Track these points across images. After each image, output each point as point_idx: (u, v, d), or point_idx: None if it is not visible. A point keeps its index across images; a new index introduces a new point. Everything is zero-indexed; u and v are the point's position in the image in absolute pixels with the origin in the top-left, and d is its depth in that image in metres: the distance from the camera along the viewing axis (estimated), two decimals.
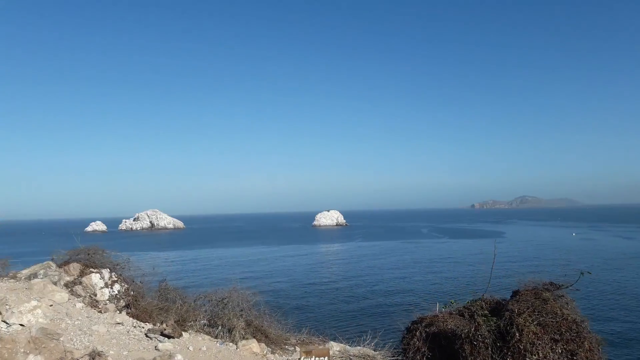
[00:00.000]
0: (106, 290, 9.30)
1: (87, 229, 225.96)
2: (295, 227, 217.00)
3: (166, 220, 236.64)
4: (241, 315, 12.22)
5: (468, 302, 13.97)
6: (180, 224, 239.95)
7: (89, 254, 10.35)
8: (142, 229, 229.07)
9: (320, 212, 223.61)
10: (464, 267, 61.93)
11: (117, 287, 9.61)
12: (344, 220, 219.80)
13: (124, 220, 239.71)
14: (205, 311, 12.33)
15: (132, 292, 10.07)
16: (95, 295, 9.11)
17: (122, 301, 9.57)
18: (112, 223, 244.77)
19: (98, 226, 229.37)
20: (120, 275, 10.33)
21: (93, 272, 9.50)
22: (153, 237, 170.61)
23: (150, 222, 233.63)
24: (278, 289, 48.66)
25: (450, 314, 13.67)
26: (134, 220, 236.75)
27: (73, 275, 9.25)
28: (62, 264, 9.71)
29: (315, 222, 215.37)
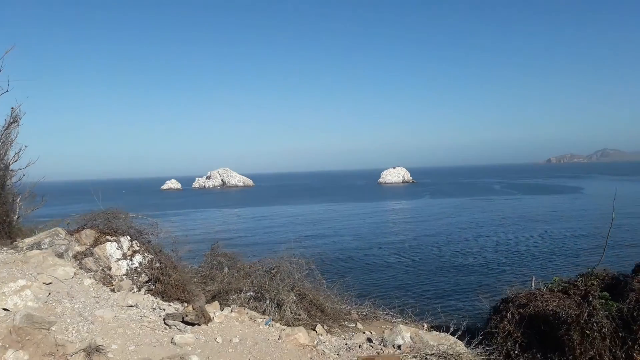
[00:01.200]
0: (124, 263, 7.54)
1: (163, 187, 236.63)
2: (361, 185, 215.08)
3: (236, 179, 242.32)
4: (293, 287, 10.17)
5: (578, 277, 11.07)
6: (249, 181, 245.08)
7: (107, 218, 8.74)
8: (214, 186, 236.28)
9: (386, 169, 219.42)
10: (546, 226, 57.31)
11: (138, 258, 7.77)
12: (411, 177, 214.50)
13: (197, 178, 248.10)
14: (252, 282, 10.38)
15: (157, 264, 8.19)
16: (110, 269, 7.39)
17: (143, 275, 8.05)
18: (187, 181, 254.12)
19: (173, 184, 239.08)
20: (146, 243, 8.48)
21: (110, 240, 7.68)
22: (224, 195, 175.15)
23: (222, 180, 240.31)
24: (342, 248, 47.15)
25: (552, 291, 10.84)
26: (207, 178, 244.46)
27: (85, 244, 7.47)
28: (74, 231, 7.91)
29: (381, 180, 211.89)
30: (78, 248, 7.42)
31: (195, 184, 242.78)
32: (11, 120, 8.20)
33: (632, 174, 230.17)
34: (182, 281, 8.70)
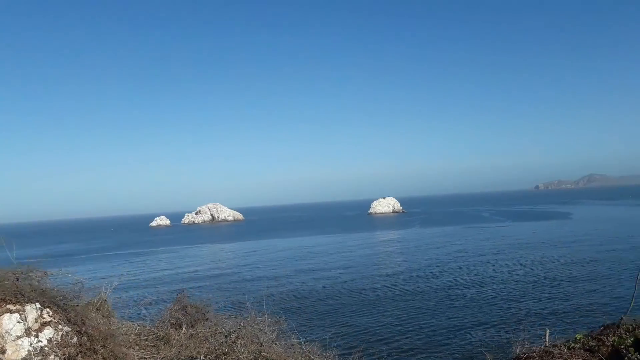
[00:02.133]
0: (26, 341, 5.79)
1: (152, 223, 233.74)
2: (352, 216, 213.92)
3: (226, 213, 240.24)
4: (258, 355, 8.57)
5: (601, 328, 9.42)
6: (239, 215, 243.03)
7: (17, 278, 6.34)
8: (204, 222, 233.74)
9: (376, 199, 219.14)
10: (539, 253, 56.56)
11: (48, 332, 5.77)
12: (401, 207, 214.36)
13: (186, 214, 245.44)
14: (209, 349, 8.59)
15: (73, 339, 6.02)
16: (4, 351, 5.66)
17: (52, 357, 5.89)
18: (176, 217, 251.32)
19: (162, 221, 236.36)
20: (63, 311, 6.14)
21: (10, 310, 5.65)
22: (214, 230, 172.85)
23: (211, 215, 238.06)
24: (333, 284, 45.86)
25: (571, 349, 8.90)
26: (196, 213, 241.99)
27: None
28: None
29: (372, 210, 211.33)
30: None
31: (185, 220, 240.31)
32: None
33: (618, 198, 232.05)
34: (115, 356, 6.67)
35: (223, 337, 7.34)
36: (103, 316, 7.70)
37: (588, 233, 76.92)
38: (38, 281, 5.96)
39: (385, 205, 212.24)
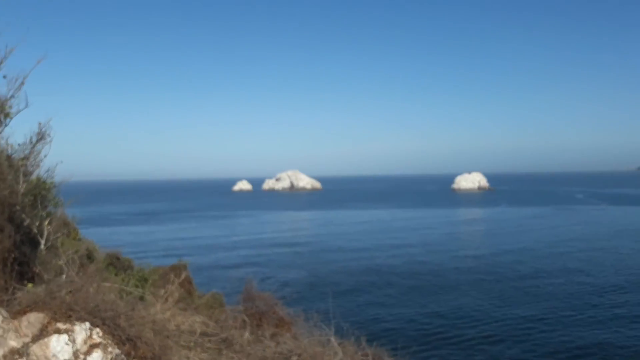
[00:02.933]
0: None
1: (234, 187, 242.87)
2: (433, 190, 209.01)
3: (305, 181, 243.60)
4: None
5: None
6: (317, 184, 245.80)
7: (71, 293, 5.37)
8: (283, 188, 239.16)
9: (461, 174, 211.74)
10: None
11: (96, 356, 4.44)
12: (487, 184, 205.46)
13: (266, 179, 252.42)
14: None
15: None
16: None
17: None
18: (257, 182, 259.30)
19: (244, 185, 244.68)
20: (117, 328, 5.25)
21: (60, 330, 4.91)
22: (292, 197, 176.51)
23: (291, 182, 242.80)
24: (411, 261, 44.83)
25: None
26: (276, 180, 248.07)
27: (26, 335, 4.90)
28: (16, 313, 5.14)
29: (455, 185, 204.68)
30: (13, 343, 4.89)
31: (265, 186, 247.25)
32: (38, 137, 7.14)
33: None
34: None
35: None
36: (167, 310, 7.14)
37: None
38: (92, 296, 5.31)
39: (470, 180, 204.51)
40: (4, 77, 6.68)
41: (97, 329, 4.86)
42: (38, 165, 7.16)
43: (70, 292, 5.16)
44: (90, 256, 10.73)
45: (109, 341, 4.69)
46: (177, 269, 13.88)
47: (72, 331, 4.71)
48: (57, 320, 4.78)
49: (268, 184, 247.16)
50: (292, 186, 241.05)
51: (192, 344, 6.02)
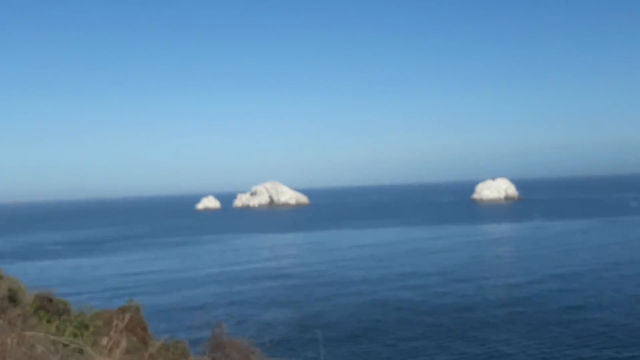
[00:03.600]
0: None
1: (198, 205, 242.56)
2: (449, 202, 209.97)
3: (287, 195, 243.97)
4: None
5: None
6: (303, 198, 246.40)
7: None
8: (261, 205, 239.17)
9: (483, 181, 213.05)
10: None
11: None
12: (516, 192, 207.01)
13: (239, 195, 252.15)
14: None
15: None
16: None
17: None
18: (227, 199, 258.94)
19: (210, 202, 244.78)
20: None
21: None
22: (273, 216, 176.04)
23: (270, 196, 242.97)
24: (425, 300, 44.66)
25: None
26: (251, 194, 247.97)
27: None
28: None
29: (476, 195, 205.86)
30: None
31: (238, 202, 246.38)
32: None
33: None
34: None
35: None
36: None
37: None
38: None
39: (494, 189, 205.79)
40: None
41: None
42: None
43: None
44: (13, 298, 10.51)
45: None
46: (126, 312, 13.37)
47: None
48: None
49: (241, 200, 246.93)
50: (271, 201, 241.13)
51: None
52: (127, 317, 12.90)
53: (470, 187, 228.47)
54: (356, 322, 35.30)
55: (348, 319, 36.02)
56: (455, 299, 40.95)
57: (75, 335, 9.36)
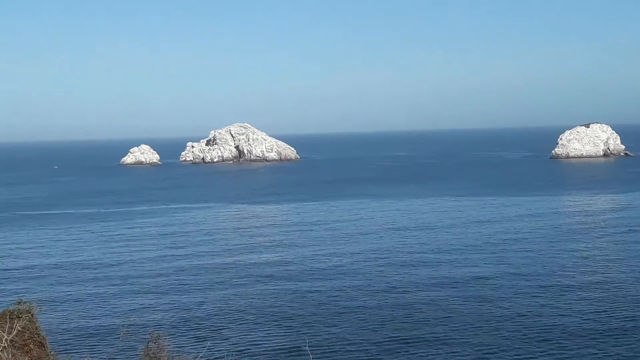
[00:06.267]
0: None
1: (124, 159, 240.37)
2: (516, 159, 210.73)
3: (265, 144, 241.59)
4: None
5: None
6: (289, 151, 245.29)
7: None
8: (223, 159, 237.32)
9: (569, 128, 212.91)
10: None
11: None
12: (622, 145, 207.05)
13: (189, 144, 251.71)
14: None
15: None
16: None
17: None
18: (170, 149, 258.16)
19: (144, 154, 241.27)
20: None
21: None
22: (242, 175, 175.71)
23: (237, 147, 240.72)
24: (487, 300, 44.23)
25: None
26: (208, 143, 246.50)
27: None
28: None
29: (559, 150, 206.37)
30: None
31: (187, 155, 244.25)
32: None
33: None
34: None
35: None
36: None
37: None
38: None
39: (588, 140, 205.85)
40: None
41: None
42: None
43: None
44: None
45: None
46: (15, 320, 14.77)
47: None
48: None
49: (192, 152, 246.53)
50: (240, 154, 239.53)
51: None
52: (15, 327, 14.11)
53: (551, 136, 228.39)
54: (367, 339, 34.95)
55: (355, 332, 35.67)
56: (532, 304, 40.25)
57: None
